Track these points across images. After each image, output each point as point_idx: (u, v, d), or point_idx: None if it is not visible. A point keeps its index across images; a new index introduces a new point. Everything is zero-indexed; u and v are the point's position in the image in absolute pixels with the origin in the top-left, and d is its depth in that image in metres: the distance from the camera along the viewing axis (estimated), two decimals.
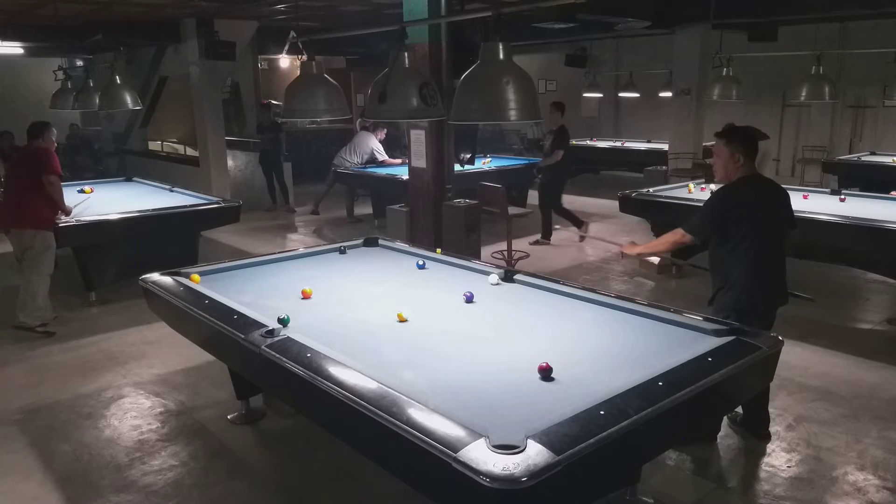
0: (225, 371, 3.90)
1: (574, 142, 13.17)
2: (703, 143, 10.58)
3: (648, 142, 12.41)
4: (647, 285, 6.53)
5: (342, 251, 4.54)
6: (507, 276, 3.82)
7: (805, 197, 6.49)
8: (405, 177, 6.91)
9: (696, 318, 3.04)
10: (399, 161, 9.53)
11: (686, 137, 10.07)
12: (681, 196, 6.58)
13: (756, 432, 3.65)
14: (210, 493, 3.28)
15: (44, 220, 5.31)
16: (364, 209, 10.10)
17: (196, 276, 3.79)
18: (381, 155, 9.58)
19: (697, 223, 3.48)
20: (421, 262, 4.18)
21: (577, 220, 8.16)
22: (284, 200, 10.60)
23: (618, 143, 12.97)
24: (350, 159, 9.49)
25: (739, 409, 3.69)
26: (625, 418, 2.10)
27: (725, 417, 3.73)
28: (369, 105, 3.58)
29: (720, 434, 3.68)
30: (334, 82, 3.97)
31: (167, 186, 7.55)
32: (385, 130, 9.96)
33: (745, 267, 3.36)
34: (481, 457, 1.87)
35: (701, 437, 3.54)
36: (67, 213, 5.54)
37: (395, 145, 10.78)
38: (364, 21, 9.49)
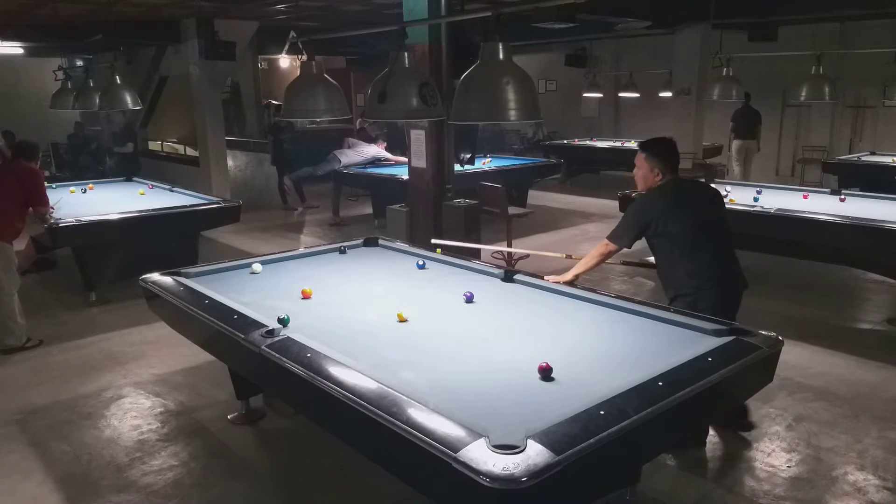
0: (225, 371, 3.90)
1: (576, 141, 13.33)
2: (703, 144, 10.60)
3: None
4: (647, 285, 6.53)
5: (342, 251, 4.53)
6: (507, 277, 3.82)
7: (805, 197, 6.50)
8: (405, 177, 6.91)
9: (695, 318, 3.03)
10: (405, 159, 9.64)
11: (686, 137, 10.05)
12: None
13: (740, 427, 3.62)
14: (210, 493, 3.28)
15: (6, 234, 5.00)
16: (360, 210, 10.12)
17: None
18: (386, 154, 9.79)
19: (619, 232, 3.50)
20: (421, 262, 4.17)
21: None
22: (300, 199, 10.63)
23: (618, 143, 12.97)
24: (353, 160, 9.58)
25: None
26: (625, 418, 2.10)
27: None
28: (369, 105, 3.58)
29: (714, 435, 3.68)
30: (334, 82, 3.97)
31: (167, 186, 7.55)
32: (384, 143, 10.17)
33: (689, 269, 3.35)
34: (481, 457, 1.87)
35: (690, 443, 3.53)
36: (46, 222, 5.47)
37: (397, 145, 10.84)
38: (364, 21, 9.49)
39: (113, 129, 13.23)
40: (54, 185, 7.46)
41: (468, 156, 6.70)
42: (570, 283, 3.57)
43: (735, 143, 11.13)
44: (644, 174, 3.48)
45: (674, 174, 3.46)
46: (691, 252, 3.35)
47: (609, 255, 3.53)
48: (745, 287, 3.49)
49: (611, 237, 3.52)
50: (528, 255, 3.54)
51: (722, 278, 3.39)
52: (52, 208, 5.69)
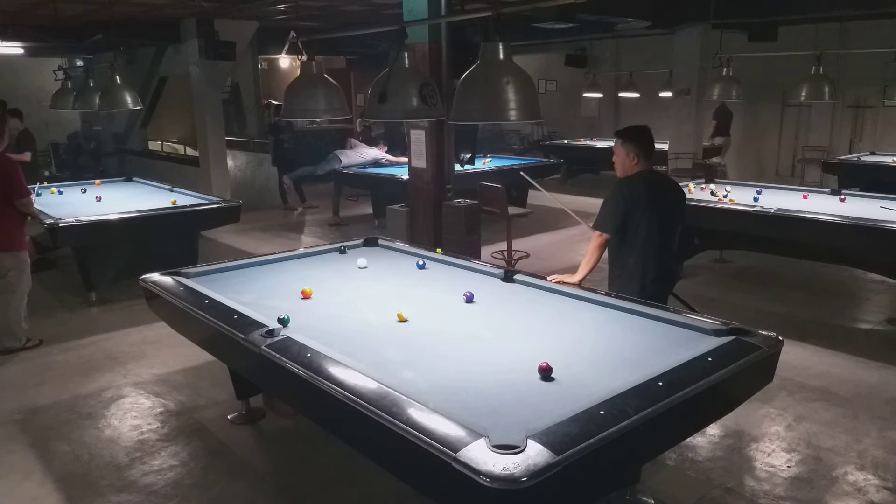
0: (225, 371, 3.90)
1: (580, 141, 13.33)
2: (704, 144, 10.61)
3: None
4: None
5: (342, 251, 4.53)
6: (507, 276, 3.82)
7: (805, 197, 6.49)
8: (405, 177, 6.92)
9: (696, 318, 3.04)
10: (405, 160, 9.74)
11: (686, 137, 10.07)
12: None
13: None
14: (210, 493, 3.28)
15: (17, 241, 4.86)
16: (360, 210, 10.11)
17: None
18: (387, 157, 9.85)
19: (601, 220, 3.70)
20: (421, 262, 4.17)
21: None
22: (300, 199, 10.67)
23: None
24: (354, 160, 9.63)
25: None
26: (625, 418, 2.10)
27: None
28: (369, 105, 3.58)
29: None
30: (334, 82, 3.97)
31: (167, 186, 7.55)
32: (385, 147, 10.23)
33: (637, 256, 3.62)
34: (481, 457, 1.87)
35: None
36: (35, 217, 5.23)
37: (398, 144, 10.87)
38: (364, 21, 9.49)
39: (114, 129, 13.23)
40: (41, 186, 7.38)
41: (468, 156, 6.70)
42: (578, 285, 3.61)
43: (717, 141, 11.57)
44: (622, 160, 3.70)
45: (648, 160, 3.67)
46: (648, 240, 3.58)
47: (604, 244, 3.70)
48: (678, 280, 3.85)
49: (597, 227, 3.69)
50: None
51: (669, 270, 3.73)
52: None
